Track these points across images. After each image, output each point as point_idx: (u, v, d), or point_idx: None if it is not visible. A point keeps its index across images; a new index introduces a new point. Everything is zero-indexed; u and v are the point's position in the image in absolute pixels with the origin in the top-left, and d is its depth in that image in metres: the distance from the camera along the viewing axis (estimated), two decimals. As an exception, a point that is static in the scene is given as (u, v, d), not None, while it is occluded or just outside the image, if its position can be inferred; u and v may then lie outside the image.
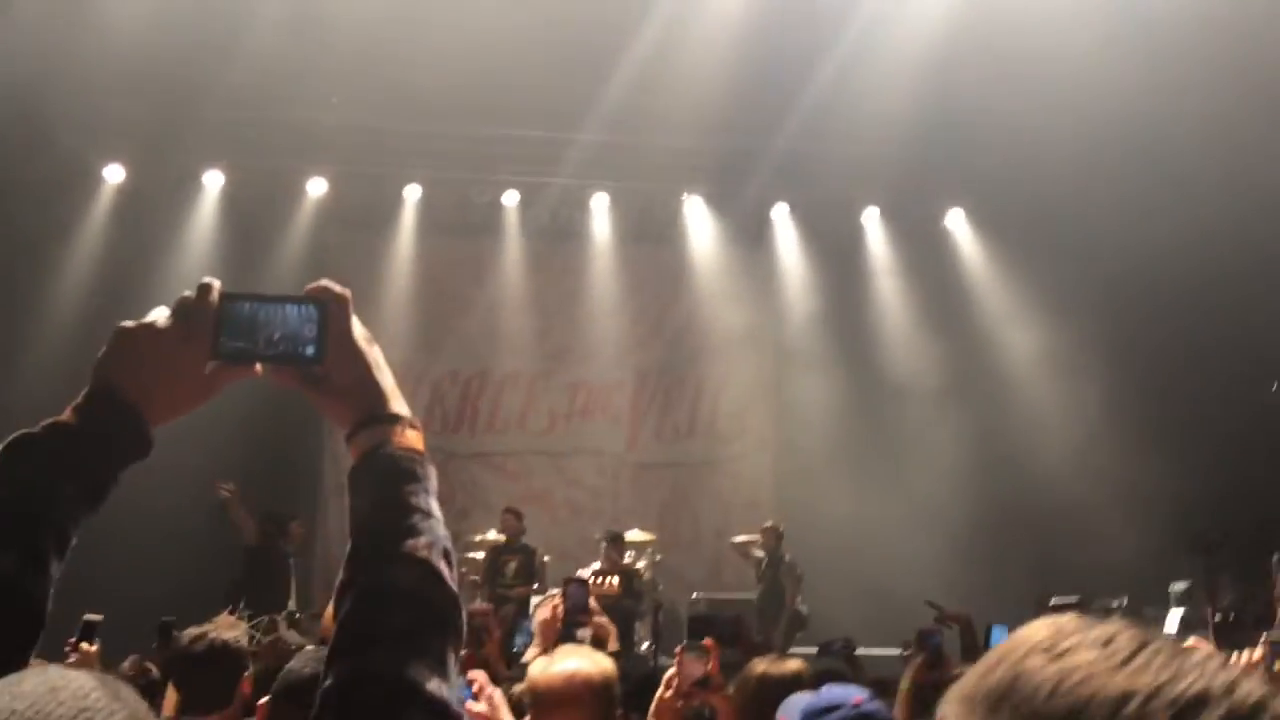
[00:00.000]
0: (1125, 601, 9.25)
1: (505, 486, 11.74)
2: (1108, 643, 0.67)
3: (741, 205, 12.42)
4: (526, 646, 6.05)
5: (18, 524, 1.02)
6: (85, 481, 1.07)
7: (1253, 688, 0.64)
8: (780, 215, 12.62)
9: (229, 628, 3.02)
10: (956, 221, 12.63)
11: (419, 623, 1.01)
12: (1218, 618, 8.17)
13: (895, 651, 7.02)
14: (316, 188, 11.70)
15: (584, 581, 4.88)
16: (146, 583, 7.82)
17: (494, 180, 12.05)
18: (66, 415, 1.09)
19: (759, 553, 10.29)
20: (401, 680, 0.96)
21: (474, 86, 9.94)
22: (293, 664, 2.38)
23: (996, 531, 10.86)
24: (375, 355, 1.17)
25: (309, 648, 3.00)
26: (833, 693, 2.44)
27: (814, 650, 6.94)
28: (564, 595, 4.49)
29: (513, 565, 9.46)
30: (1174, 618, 8.65)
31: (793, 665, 3.09)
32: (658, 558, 10.34)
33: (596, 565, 8.82)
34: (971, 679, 0.70)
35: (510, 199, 12.23)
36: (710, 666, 2.92)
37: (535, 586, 9.29)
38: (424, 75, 9.70)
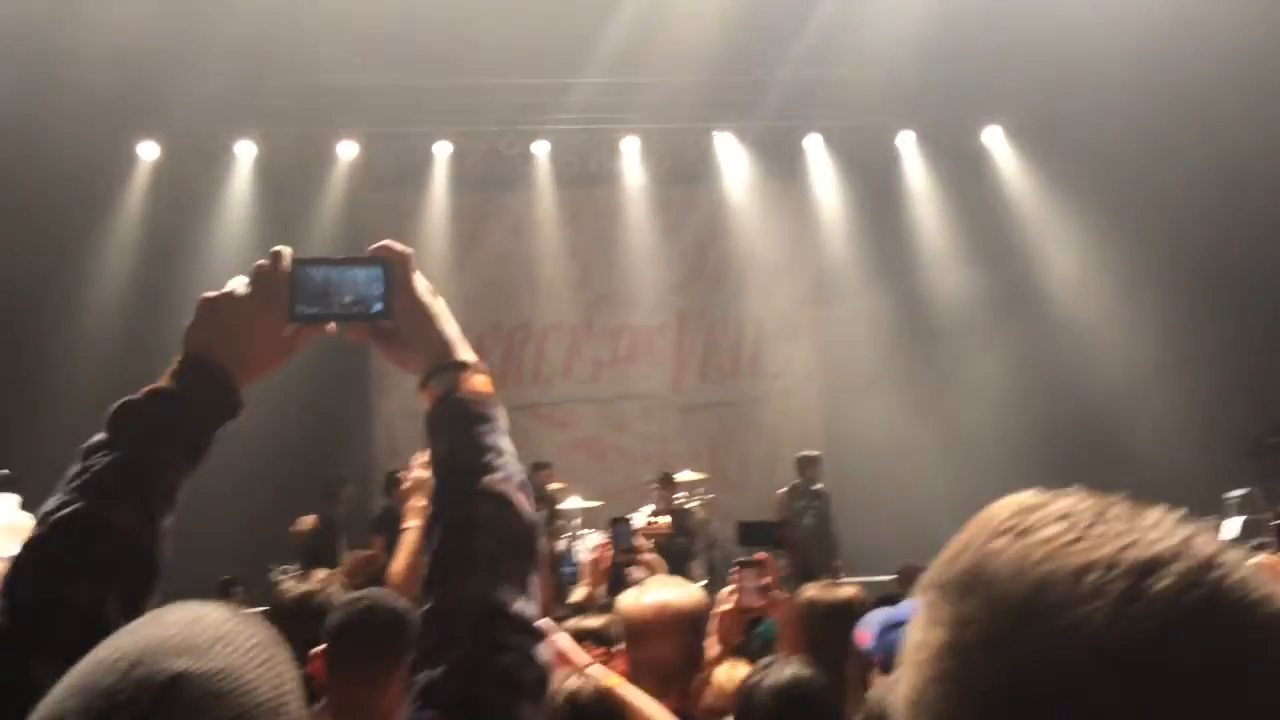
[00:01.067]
0: (1184, 512, 9.16)
1: (554, 436, 11.83)
2: (1067, 516, 0.67)
3: (773, 137, 12.26)
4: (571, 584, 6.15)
5: (131, 483, 1.12)
6: (186, 442, 1.17)
7: (1204, 544, 0.65)
8: (813, 145, 12.44)
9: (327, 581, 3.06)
10: (994, 139, 12.38)
11: (501, 550, 1.11)
12: (1278, 521, 8.08)
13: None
14: (347, 150, 11.74)
15: (627, 520, 4.92)
16: (197, 542, 8.00)
17: (522, 131, 11.99)
18: (164, 382, 1.18)
19: (796, 480, 10.27)
20: (491, 602, 1.07)
21: (494, 39, 9.86)
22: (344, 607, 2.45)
23: (1046, 453, 10.75)
24: (439, 306, 1.27)
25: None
26: (911, 605, 2.45)
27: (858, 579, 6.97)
28: (611, 535, 4.55)
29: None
30: (1233, 525, 8.57)
31: (846, 591, 3.11)
32: (710, 496, 10.39)
33: (650, 508, 8.88)
34: (940, 566, 0.71)
35: (540, 149, 12.17)
36: (768, 579, 2.97)
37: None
38: (444, 32, 9.64)
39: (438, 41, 9.90)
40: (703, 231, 12.70)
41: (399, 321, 1.24)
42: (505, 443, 1.20)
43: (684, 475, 10.17)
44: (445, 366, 1.23)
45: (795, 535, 8.75)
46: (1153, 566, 0.63)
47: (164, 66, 10.04)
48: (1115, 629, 0.61)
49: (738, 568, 3.05)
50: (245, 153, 11.52)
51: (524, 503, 1.16)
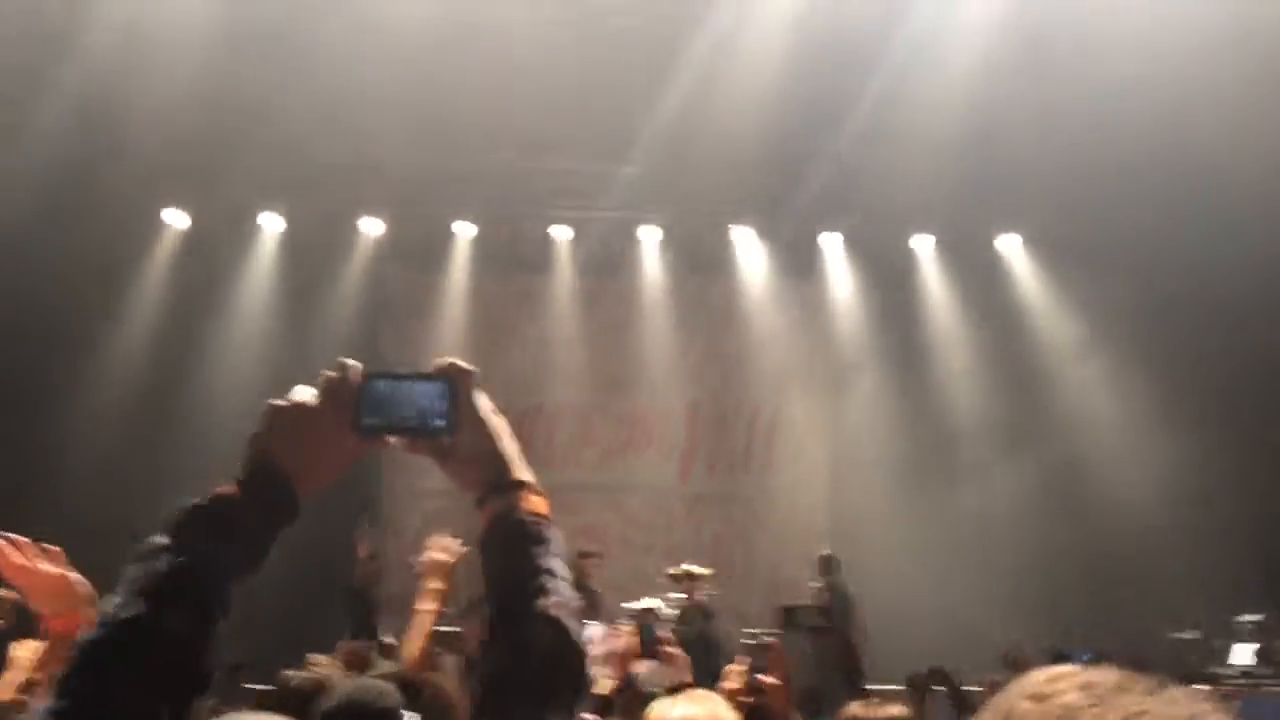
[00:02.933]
0: (1200, 635, 8.99)
1: (559, 521, 11.69)
2: (1089, 686, 0.73)
3: (791, 235, 12.40)
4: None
5: (192, 587, 1.12)
6: (247, 547, 1.18)
7: (1217, 716, 0.70)
8: (830, 244, 12.57)
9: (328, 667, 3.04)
10: (1010, 245, 12.48)
11: (553, 680, 1.13)
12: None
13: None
14: (372, 227, 11.93)
15: (654, 611, 4.85)
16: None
17: (545, 215, 12.19)
18: (230, 487, 1.19)
19: (815, 584, 10.17)
20: None
21: (524, 122, 10.09)
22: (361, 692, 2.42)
23: (1056, 567, 10.63)
24: (500, 425, 1.29)
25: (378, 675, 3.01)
26: None
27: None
28: (638, 629, 4.48)
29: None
30: (1242, 651, 8.38)
31: (894, 710, 2.97)
32: (714, 592, 10.25)
33: (654, 600, 8.76)
34: None
35: (561, 233, 12.35)
36: (772, 669, 2.91)
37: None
38: (475, 113, 9.87)
39: (465, 123, 10.12)
40: (717, 324, 12.78)
41: (459, 438, 1.26)
42: (560, 566, 1.22)
43: (687, 568, 10.06)
44: (504, 486, 1.25)
45: (841, 624, 8.66)
46: None
47: (197, 137, 10.30)
48: None
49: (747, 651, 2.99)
50: (272, 225, 11.72)
51: (577, 630, 1.17)
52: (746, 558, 12.19)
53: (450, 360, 1.28)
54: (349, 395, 1.23)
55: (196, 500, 1.17)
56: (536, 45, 9.50)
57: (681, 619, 8.29)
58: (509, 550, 1.21)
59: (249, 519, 1.17)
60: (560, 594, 1.18)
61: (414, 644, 3.24)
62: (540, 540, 1.22)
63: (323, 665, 3.10)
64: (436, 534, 3.47)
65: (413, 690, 2.74)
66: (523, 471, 1.28)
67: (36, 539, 2.08)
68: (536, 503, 1.25)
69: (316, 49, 9.16)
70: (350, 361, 1.26)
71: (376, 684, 2.57)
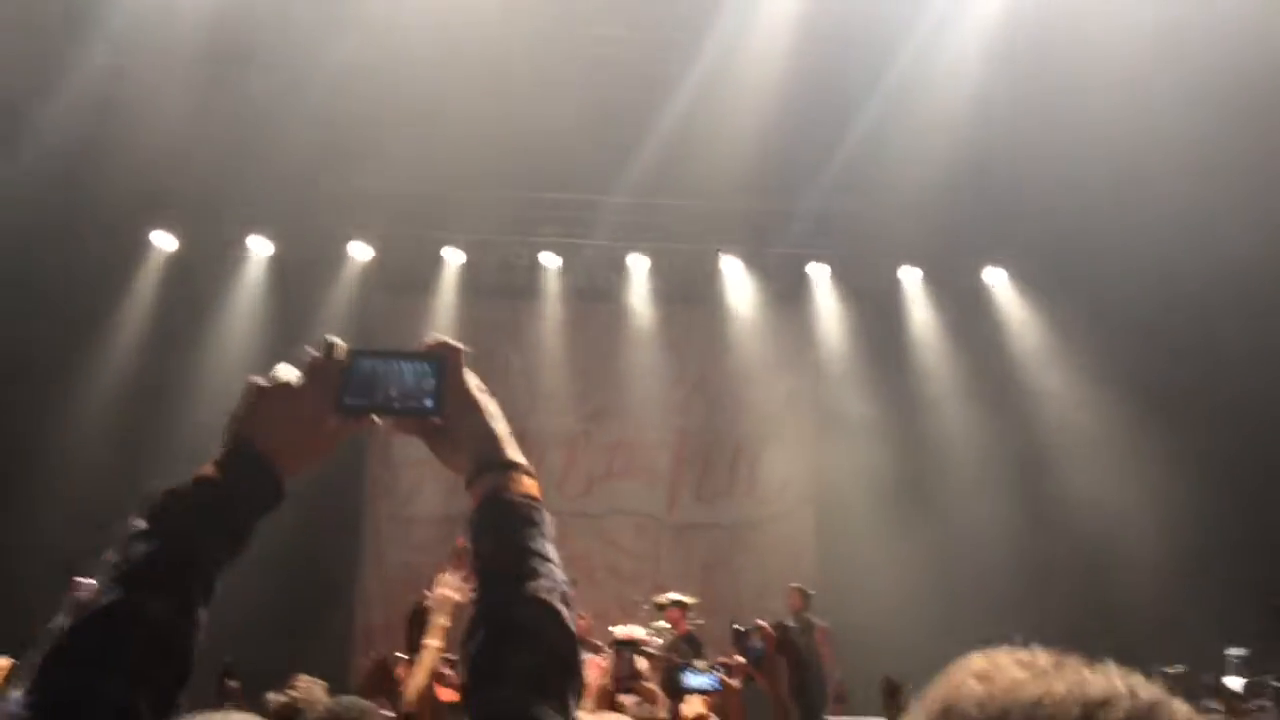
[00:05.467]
0: (1184, 669, 8.97)
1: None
2: (1028, 665, 0.78)
3: (778, 265, 12.46)
4: None
5: (171, 573, 1.08)
6: (227, 533, 1.13)
7: (1154, 690, 0.74)
8: (818, 274, 12.63)
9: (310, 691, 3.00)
10: (995, 278, 12.55)
11: (543, 663, 1.07)
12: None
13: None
14: (361, 252, 11.92)
15: (634, 644, 4.81)
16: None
17: (533, 243, 12.20)
18: (208, 470, 1.15)
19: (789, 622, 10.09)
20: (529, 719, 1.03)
21: (514, 150, 10.12)
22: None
23: (1044, 591, 10.62)
24: (490, 405, 1.25)
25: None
26: None
27: None
28: (617, 659, 4.44)
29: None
30: (1234, 682, 8.36)
31: None
32: (699, 621, 10.19)
33: (639, 629, 8.70)
34: (916, 709, 0.80)
35: (550, 261, 12.36)
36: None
37: None
38: (465, 141, 9.89)
39: (455, 150, 10.15)
40: (705, 353, 12.79)
41: (449, 418, 1.21)
42: (552, 550, 1.17)
43: (673, 597, 10.00)
44: (493, 465, 1.20)
45: (795, 648, 8.57)
46: (1103, 702, 0.72)
47: (187, 160, 10.30)
48: None
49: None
50: (260, 248, 11.70)
51: (569, 614, 1.12)
52: (733, 587, 12.13)
53: (440, 338, 1.24)
54: (334, 374, 1.19)
55: (173, 485, 1.13)
56: (530, 75, 9.58)
57: (668, 648, 8.22)
58: (498, 531, 1.16)
59: (229, 502, 1.13)
60: (551, 577, 1.13)
61: (417, 679, 3.23)
62: (531, 522, 1.17)
63: (305, 686, 3.06)
64: (418, 567, 3.47)
65: None
66: (514, 452, 1.22)
67: (14, 565, 2.06)
68: (528, 484, 1.20)
69: (310, 75, 9.20)
70: (336, 339, 1.22)
71: (358, 702, 2.55)
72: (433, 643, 3.31)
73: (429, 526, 11.38)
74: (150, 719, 0.92)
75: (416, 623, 7.40)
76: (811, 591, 10.05)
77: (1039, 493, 11.20)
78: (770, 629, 3.63)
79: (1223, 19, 8.12)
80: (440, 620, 3.35)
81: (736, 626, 7.28)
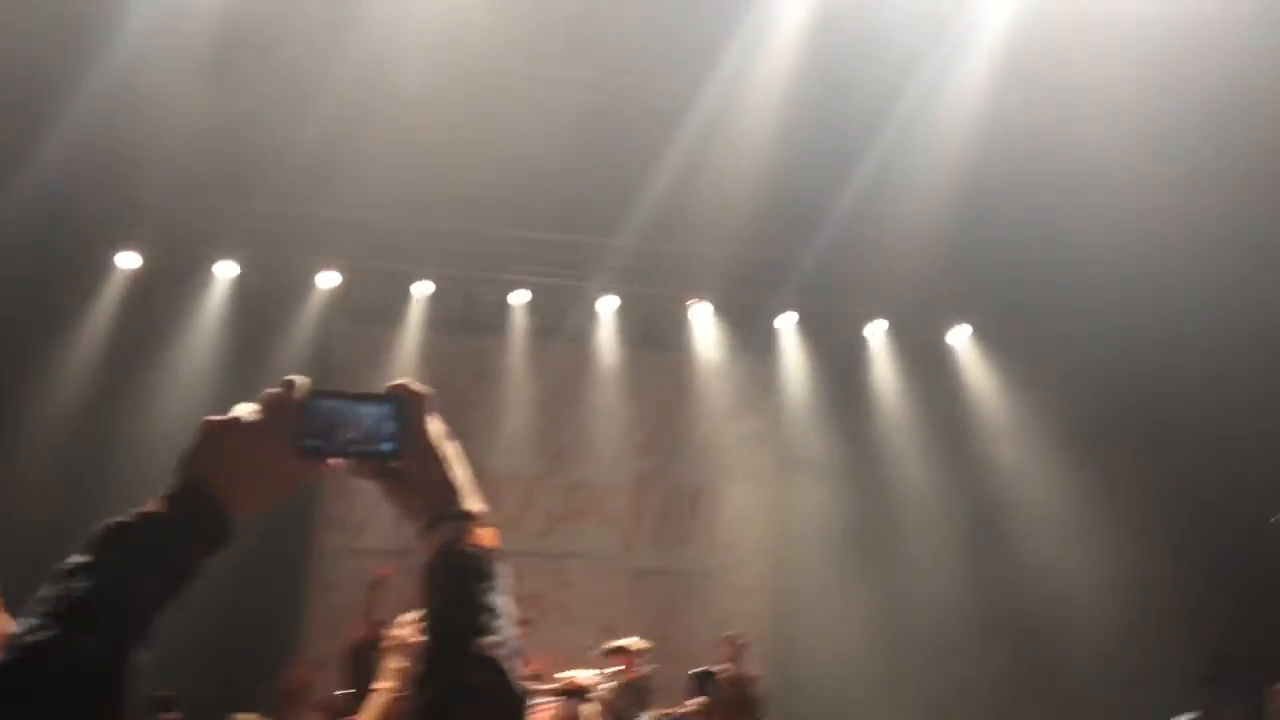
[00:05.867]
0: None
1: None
2: None
3: (749, 314, 12.52)
4: None
5: (108, 612, 1.04)
6: (171, 570, 1.10)
7: None
8: (786, 325, 12.70)
9: None
10: (961, 338, 12.69)
11: None
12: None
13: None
14: (327, 280, 11.83)
15: (584, 691, 4.73)
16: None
17: (502, 280, 12.18)
18: (155, 505, 1.11)
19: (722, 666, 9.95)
20: None
21: (487, 187, 10.14)
22: None
23: (999, 653, 10.64)
24: (450, 452, 1.23)
25: None
26: None
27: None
28: (563, 707, 4.37)
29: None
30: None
31: None
32: (654, 665, 10.08)
33: (592, 673, 8.60)
34: None
35: (518, 299, 12.34)
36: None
37: None
38: (438, 175, 9.90)
39: (427, 184, 10.15)
40: (669, 398, 12.79)
41: (407, 463, 1.19)
42: (504, 603, 1.15)
43: (626, 642, 9.90)
44: (449, 515, 1.18)
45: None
46: None
47: (153, 178, 10.21)
48: None
49: None
50: (225, 272, 11.56)
51: (516, 672, 1.10)
52: (687, 634, 12.02)
53: (402, 381, 1.22)
54: (292, 414, 1.16)
55: (118, 519, 1.09)
56: (510, 115, 9.61)
57: (615, 694, 8.12)
58: (451, 584, 1.14)
59: (174, 540, 1.10)
60: (501, 634, 1.11)
61: None
62: (484, 575, 1.15)
63: None
64: (408, 611, 3.43)
65: None
66: (473, 501, 1.20)
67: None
68: (484, 535, 1.18)
69: (289, 101, 9.18)
70: (297, 378, 1.19)
71: None
72: (385, 684, 3.25)
73: (378, 559, 11.21)
74: None
75: (359, 659, 7.28)
76: (743, 642, 9.95)
77: (990, 551, 11.26)
78: (732, 677, 3.60)
79: (1201, 87, 8.28)
80: (394, 664, 3.29)
81: (695, 671, 7.22)
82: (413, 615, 3.65)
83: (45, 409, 10.37)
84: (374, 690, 3.23)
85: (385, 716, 3.38)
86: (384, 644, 3.35)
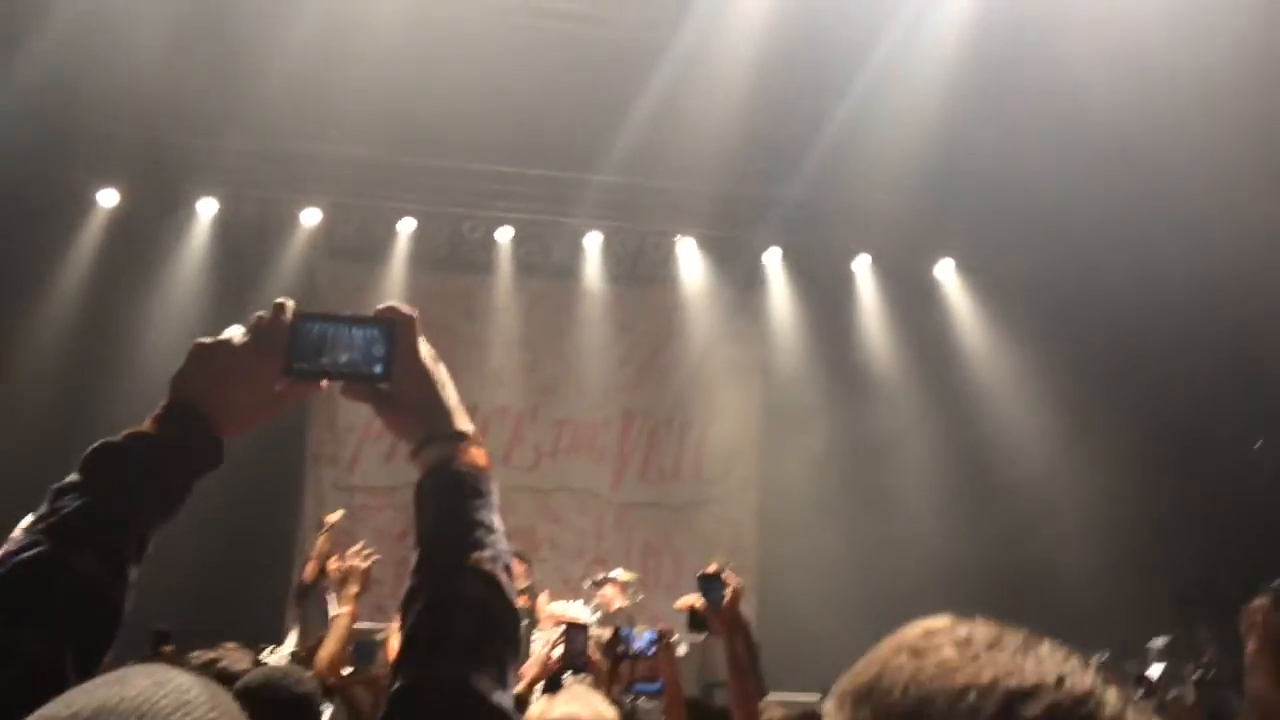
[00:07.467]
0: (1106, 655, 9.21)
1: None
2: (966, 641, 0.74)
3: (734, 249, 12.50)
4: None
5: (100, 528, 1.05)
6: (162, 489, 1.11)
7: (1082, 679, 0.71)
8: (773, 260, 12.69)
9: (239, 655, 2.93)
10: (946, 271, 12.71)
11: (482, 634, 1.06)
12: (1198, 674, 8.14)
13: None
14: (310, 218, 11.72)
15: (585, 627, 4.77)
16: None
17: (487, 216, 12.10)
18: (146, 425, 1.12)
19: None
20: (465, 689, 1.02)
21: (472, 122, 10.02)
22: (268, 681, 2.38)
23: (981, 580, 10.83)
24: (440, 373, 1.23)
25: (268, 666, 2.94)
26: None
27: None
28: (566, 640, 4.40)
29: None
30: (1154, 670, 8.60)
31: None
32: (639, 598, 10.25)
33: (583, 606, 8.73)
34: (847, 676, 0.78)
35: (503, 235, 12.27)
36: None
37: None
38: (421, 110, 9.79)
39: (412, 119, 10.04)
40: (656, 333, 12.81)
41: (397, 385, 1.20)
42: (497, 520, 1.16)
43: (615, 574, 10.05)
44: (441, 435, 1.19)
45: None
46: (1026, 695, 0.68)
47: (133, 114, 10.05)
48: None
49: None
50: (207, 209, 11.44)
51: (510, 585, 1.11)
52: (674, 567, 12.21)
53: (391, 304, 1.22)
54: (281, 336, 1.17)
55: (108, 439, 1.11)
56: (494, 49, 9.48)
57: (604, 623, 8.25)
58: (444, 502, 1.14)
59: (165, 460, 1.11)
60: (495, 549, 1.12)
61: (328, 648, 3.24)
62: (478, 493, 1.15)
63: (231, 650, 3.00)
64: (359, 535, 3.52)
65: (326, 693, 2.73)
66: (463, 422, 1.21)
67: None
68: (476, 454, 1.19)
69: (269, 39, 9.02)
70: (286, 301, 1.20)
71: (296, 669, 2.55)
72: (344, 609, 3.34)
73: (369, 494, 11.31)
74: (74, 675, 0.90)
75: (307, 599, 7.37)
76: (727, 568, 10.10)
77: (982, 483, 11.42)
78: (737, 586, 3.69)
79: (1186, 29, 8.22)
80: (351, 589, 3.37)
81: (704, 571, 7.26)
82: (358, 547, 3.75)
83: (33, 342, 10.33)
84: (334, 617, 3.33)
85: (342, 640, 3.49)
86: (334, 574, 3.45)
